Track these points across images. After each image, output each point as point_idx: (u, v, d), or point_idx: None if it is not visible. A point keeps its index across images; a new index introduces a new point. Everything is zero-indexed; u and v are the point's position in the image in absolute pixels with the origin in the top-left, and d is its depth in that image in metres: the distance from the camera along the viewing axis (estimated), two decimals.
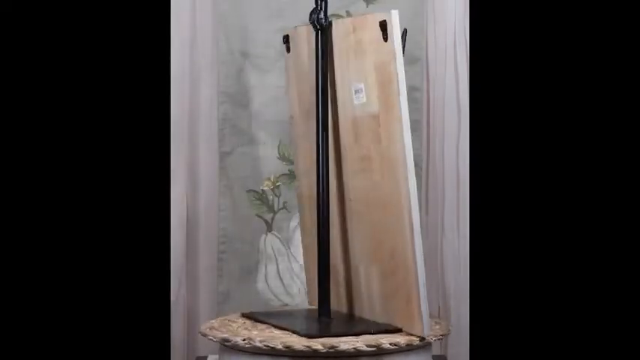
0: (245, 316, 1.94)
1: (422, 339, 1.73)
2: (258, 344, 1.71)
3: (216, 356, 1.88)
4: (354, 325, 1.83)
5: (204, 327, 1.86)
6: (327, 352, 1.69)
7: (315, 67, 1.87)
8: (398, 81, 1.71)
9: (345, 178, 1.89)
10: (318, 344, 1.70)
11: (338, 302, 1.92)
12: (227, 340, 1.76)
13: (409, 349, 1.73)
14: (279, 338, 1.74)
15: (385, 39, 1.72)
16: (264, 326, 1.85)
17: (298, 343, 1.71)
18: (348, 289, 1.92)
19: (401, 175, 1.72)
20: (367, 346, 1.70)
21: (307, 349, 1.69)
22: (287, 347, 1.70)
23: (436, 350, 2.22)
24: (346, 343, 1.70)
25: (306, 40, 1.94)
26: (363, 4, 2.32)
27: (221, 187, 2.35)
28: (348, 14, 2.29)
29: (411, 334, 1.74)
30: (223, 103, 2.35)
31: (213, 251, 2.36)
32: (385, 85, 1.74)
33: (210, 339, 1.81)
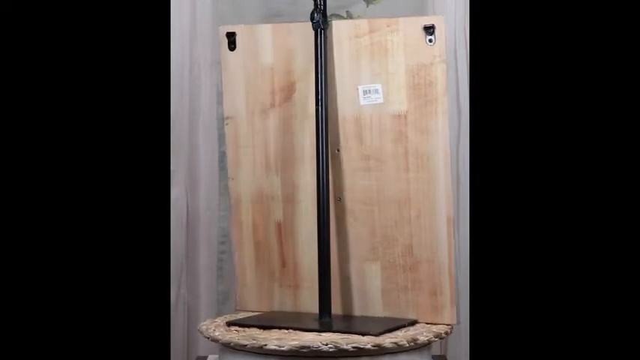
0: (232, 324, 1.85)
1: (451, 328, 1.83)
2: (325, 348, 1.67)
3: (216, 356, 1.88)
4: (374, 321, 1.85)
5: (224, 331, 1.81)
6: (410, 345, 1.72)
7: (315, 67, 1.87)
8: (445, 82, 1.84)
9: (334, 178, 1.90)
10: (402, 339, 1.71)
11: (338, 300, 1.92)
12: (304, 347, 1.67)
13: (416, 346, 1.75)
14: (348, 338, 1.71)
15: (429, 42, 1.83)
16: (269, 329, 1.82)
17: (384, 340, 1.70)
18: (342, 288, 1.92)
19: (440, 170, 1.83)
20: (435, 336, 1.77)
21: (394, 345, 1.70)
22: (357, 348, 1.67)
23: (436, 350, 2.22)
24: (422, 335, 1.75)
25: (270, 38, 1.93)
26: (363, 4, 2.31)
27: (221, 187, 2.35)
28: (348, 14, 2.29)
29: (433, 324, 1.83)
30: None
31: (213, 251, 2.36)
32: (421, 86, 1.84)
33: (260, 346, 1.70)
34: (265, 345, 1.69)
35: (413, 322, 1.84)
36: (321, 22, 1.87)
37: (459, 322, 1.87)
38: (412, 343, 1.72)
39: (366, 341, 1.69)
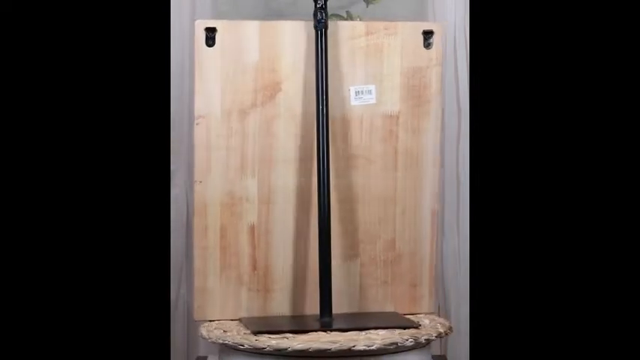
0: (257, 332, 1.77)
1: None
2: (407, 343, 1.73)
3: (217, 356, 1.88)
4: (377, 317, 1.89)
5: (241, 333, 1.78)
6: (447, 332, 1.84)
7: (316, 67, 1.86)
8: (440, 84, 1.94)
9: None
10: (442, 329, 1.82)
11: (312, 302, 1.91)
12: (393, 343, 1.71)
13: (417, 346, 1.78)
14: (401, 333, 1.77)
15: (427, 46, 1.92)
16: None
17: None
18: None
19: (428, 167, 1.94)
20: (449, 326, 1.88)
21: (436, 337, 1.79)
22: (415, 342, 1.74)
23: (436, 350, 2.22)
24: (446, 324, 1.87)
25: (257, 36, 1.89)
26: (363, 5, 2.32)
27: None
28: (348, 14, 2.29)
29: (412, 314, 1.93)
30: None
31: None
32: (416, 87, 1.93)
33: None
34: (354, 346, 1.68)
35: (400, 315, 1.91)
36: (322, 23, 1.87)
37: (436, 311, 1.97)
38: (449, 331, 1.84)
39: (421, 333, 1.76)
